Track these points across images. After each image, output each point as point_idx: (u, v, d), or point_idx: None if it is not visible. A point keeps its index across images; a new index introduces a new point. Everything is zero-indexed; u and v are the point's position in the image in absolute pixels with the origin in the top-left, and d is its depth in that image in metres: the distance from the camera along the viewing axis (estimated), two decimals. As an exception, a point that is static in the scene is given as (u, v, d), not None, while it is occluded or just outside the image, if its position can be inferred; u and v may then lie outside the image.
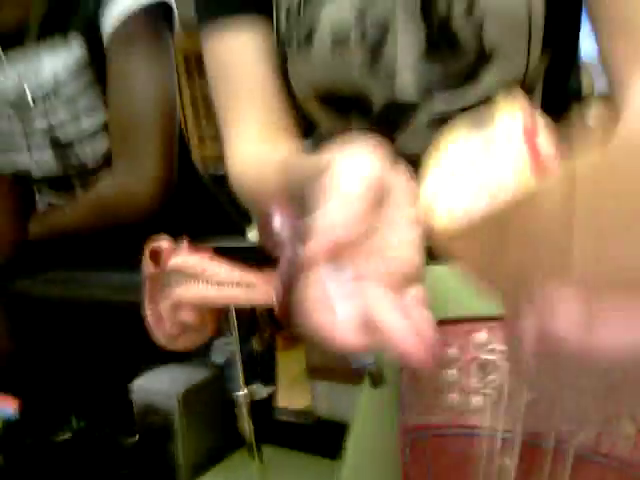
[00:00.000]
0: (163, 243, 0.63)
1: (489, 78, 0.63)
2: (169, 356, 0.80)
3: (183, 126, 1.15)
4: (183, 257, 0.61)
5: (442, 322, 0.44)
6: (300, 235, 0.55)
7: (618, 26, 0.56)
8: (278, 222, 0.54)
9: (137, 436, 0.78)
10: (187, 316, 0.60)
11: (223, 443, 0.81)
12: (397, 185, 0.35)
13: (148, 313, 0.64)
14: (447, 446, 0.44)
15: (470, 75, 0.64)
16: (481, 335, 0.43)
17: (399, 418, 0.46)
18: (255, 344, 0.86)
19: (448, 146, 0.40)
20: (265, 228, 0.55)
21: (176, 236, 0.63)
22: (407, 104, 0.67)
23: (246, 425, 0.66)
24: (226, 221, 1.15)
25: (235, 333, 0.65)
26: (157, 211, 0.96)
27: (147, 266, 0.64)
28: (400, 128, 0.69)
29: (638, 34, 0.55)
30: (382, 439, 0.51)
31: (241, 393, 0.66)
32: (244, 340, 0.85)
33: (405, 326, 0.32)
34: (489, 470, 0.43)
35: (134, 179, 0.95)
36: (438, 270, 0.43)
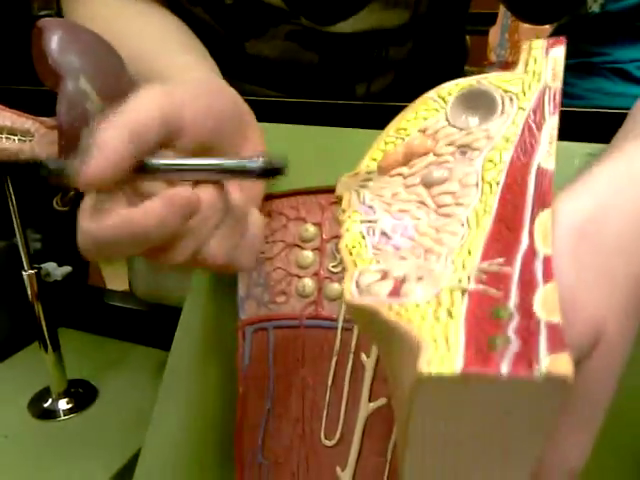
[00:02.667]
0: None
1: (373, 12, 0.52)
2: None
3: None
4: None
5: (295, 192, 0.33)
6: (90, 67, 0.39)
7: None
8: (56, 43, 0.38)
9: None
10: None
11: (16, 333, 0.67)
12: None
13: None
14: (294, 341, 0.35)
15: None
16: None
17: (237, 307, 0.35)
18: (56, 205, 0.70)
19: (411, 131, 0.24)
20: (38, 50, 0.39)
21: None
22: (267, 4, 0.53)
23: (35, 310, 0.53)
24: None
25: (11, 196, 0.49)
26: None
27: None
28: (255, 32, 0.55)
29: None
30: (217, 330, 0.40)
31: (26, 273, 0.51)
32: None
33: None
34: (341, 368, 0.34)
35: None
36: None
